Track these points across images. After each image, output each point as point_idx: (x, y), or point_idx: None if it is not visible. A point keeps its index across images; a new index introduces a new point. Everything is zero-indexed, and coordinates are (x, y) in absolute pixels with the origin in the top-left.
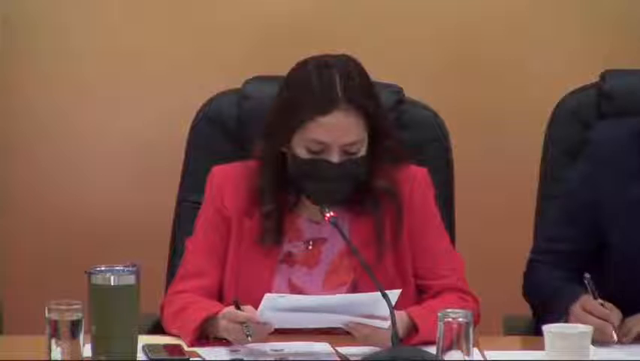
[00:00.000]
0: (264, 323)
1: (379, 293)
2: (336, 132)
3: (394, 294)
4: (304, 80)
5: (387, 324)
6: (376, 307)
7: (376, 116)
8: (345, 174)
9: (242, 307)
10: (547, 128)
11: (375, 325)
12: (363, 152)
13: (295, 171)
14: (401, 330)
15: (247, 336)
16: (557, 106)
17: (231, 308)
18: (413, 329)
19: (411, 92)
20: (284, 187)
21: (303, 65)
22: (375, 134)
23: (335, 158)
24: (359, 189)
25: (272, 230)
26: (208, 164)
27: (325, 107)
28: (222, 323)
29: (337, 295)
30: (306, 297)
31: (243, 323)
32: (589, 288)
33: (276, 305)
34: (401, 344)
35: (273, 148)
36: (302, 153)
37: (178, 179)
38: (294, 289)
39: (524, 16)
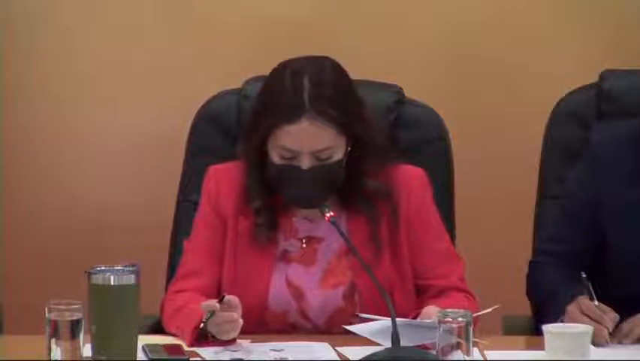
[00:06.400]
0: (228, 315)
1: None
2: (304, 140)
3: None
4: (277, 86)
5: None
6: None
7: (351, 123)
8: (314, 179)
9: (226, 298)
10: (546, 128)
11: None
12: (338, 155)
13: (270, 175)
14: None
15: (202, 322)
16: (557, 106)
17: (211, 300)
18: None
19: (411, 92)
20: (270, 184)
21: (279, 70)
22: (355, 138)
23: (305, 164)
24: (352, 191)
25: (263, 227)
26: (208, 164)
27: (292, 115)
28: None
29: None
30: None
31: (211, 311)
32: (585, 288)
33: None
34: (400, 343)
35: (252, 149)
36: (275, 158)
37: (178, 179)
38: (292, 287)
39: (524, 16)
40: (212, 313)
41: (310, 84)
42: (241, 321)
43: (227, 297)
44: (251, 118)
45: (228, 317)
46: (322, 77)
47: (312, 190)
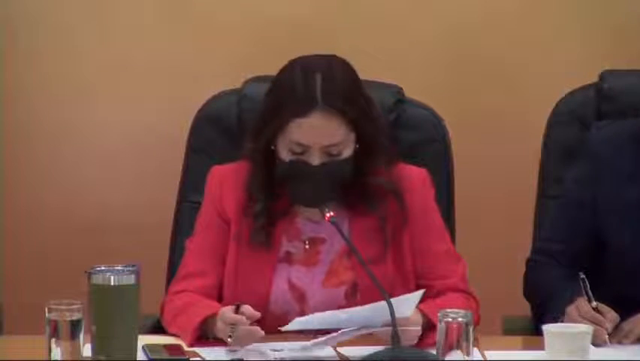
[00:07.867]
0: (253, 329)
1: (393, 300)
2: (315, 134)
3: (417, 296)
4: (288, 81)
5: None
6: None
7: (360, 120)
8: (324, 174)
9: (241, 308)
10: (546, 128)
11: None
12: (347, 153)
13: (279, 173)
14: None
15: (228, 338)
16: (556, 106)
17: (228, 308)
18: (428, 326)
19: (411, 92)
20: (275, 186)
21: (289, 66)
22: (363, 136)
23: (315, 160)
24: (355, 189)
25: (261, 229)
26: (208, 164)
27: (304, 108)
28: (218, 323)
29: (358, 307)
30: (328, 314)
31: (233, 324)
32: (583, 290)
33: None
34: (400, 343)
35: (261, 148)
36: (285, 155)
37: (178, 178)
38: (294, 289)
39: (524, 16)
40: (235, 326)
41: (322, 79)
42: (262, 332)
43: (244, 307)
44: (260, 116)
45: (254, 333)
46: (333, 73)
47: (321, 187)
